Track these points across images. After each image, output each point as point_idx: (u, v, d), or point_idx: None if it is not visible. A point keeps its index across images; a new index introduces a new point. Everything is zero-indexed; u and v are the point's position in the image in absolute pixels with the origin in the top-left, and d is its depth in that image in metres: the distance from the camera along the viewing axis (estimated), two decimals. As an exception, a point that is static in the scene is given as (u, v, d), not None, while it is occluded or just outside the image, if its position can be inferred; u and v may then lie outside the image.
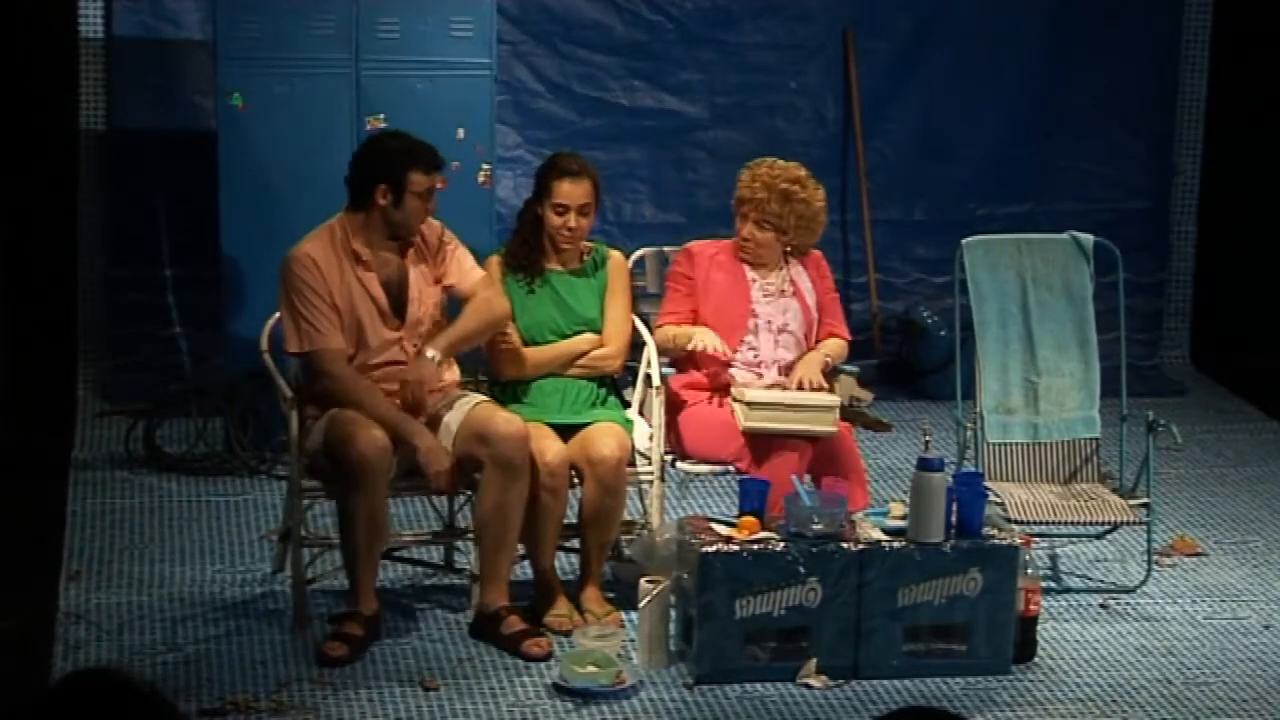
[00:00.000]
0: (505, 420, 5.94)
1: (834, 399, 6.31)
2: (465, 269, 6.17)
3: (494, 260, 6.35)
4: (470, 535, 6.20)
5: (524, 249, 6.32)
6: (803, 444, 6.19)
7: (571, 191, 6.25)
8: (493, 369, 6.34)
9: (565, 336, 6.31)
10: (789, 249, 6.50)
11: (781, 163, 6.51)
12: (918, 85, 9.20)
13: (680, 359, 6.45)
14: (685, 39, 8.97)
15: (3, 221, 8.30)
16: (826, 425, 6.22)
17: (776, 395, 6.29)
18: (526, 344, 6.30)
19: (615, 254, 6.44)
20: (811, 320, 6.50)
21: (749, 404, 6.22)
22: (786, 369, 6.43)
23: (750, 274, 6.47)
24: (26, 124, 8.31)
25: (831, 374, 6.58)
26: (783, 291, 6.49)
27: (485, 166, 7.77)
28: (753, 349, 6.44)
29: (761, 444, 6.21)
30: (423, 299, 6.08)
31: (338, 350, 5.95)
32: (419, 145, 6.05)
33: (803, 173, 6.49)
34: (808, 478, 6.16)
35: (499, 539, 5.94)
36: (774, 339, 6.45)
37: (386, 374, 6.03)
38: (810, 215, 6.45)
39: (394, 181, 5.95)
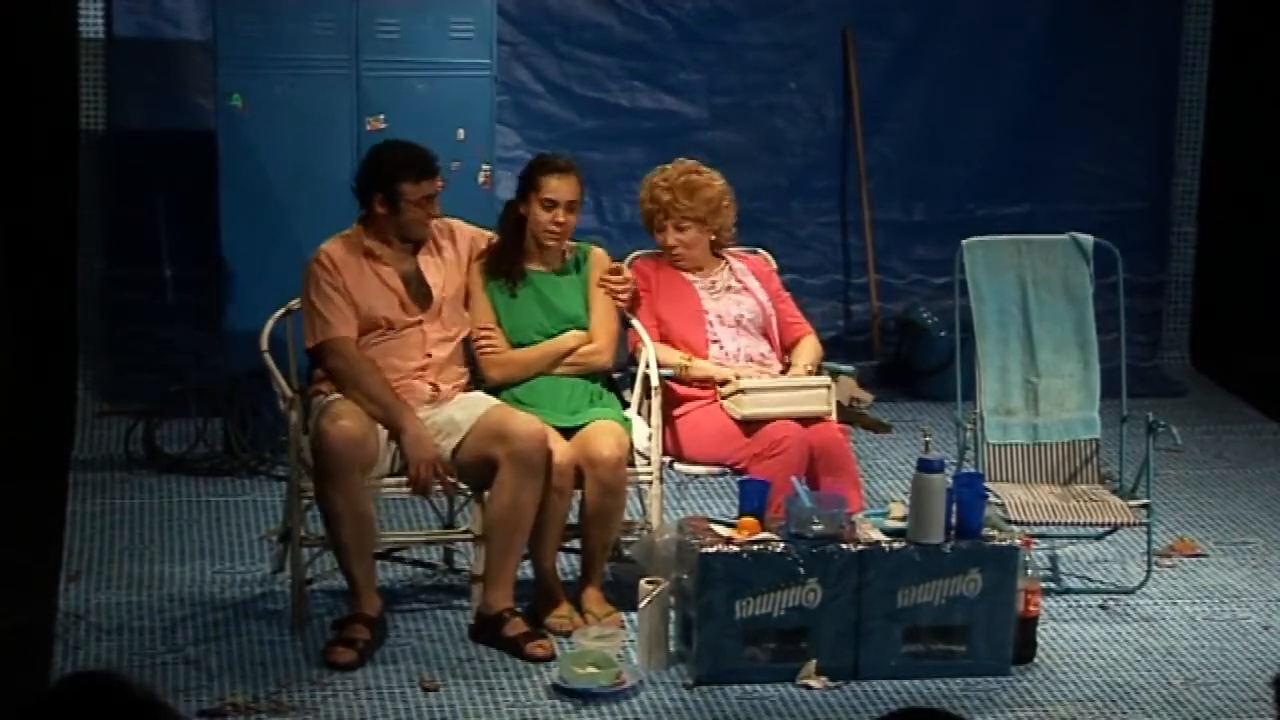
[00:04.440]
0: (525, 420, 5.95)
1: (824, 379, 6.41)
2: None
3: (473, 268, 6.33)
4: (469, 535, 6.19)
5: (504, 252, 6.31)
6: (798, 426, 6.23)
7: (560, 186, 6.25)
8: (481, 373, 6.32)
9: (551, 336, 6.30)
10: (713, 240, 6.57)
11: (668, 166, 6.63)
12: (918, 85, 9.20)
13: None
14: (685, 39, 8.98)
15: (2, 222, 8.30)
16: (820, 405, 6.32)
17: (767, 381, 6.36)
18: (513, 346, 6.30)
19: (596, 249, 6.44)
20: (767, 314, 6.57)
21: (742, 391, 6.27)
22: (755, 358, 6.47)
23: (690, 277, 6.56)
24: (26, 124, 8.31)
25: (832, 376, 6.62)
26: (729, 287, 6.58)
27: (485, 167, 7.79)
28: (716, 341, 6.49)
29: (758, 437, 6.22)
30: (445, 285, 6.17)
31: (345, 338, 6.03)
32: (411, 154, 6.12)
33: (691, 163, 6.64)
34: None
35: (508, 540, 5.95)
36: (733, 332, 6.50)
37: (406, 357, 6.10)
38: (716, 197, 6.53)
39: (387, 192, 6.06)
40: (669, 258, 6.56)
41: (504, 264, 6.29)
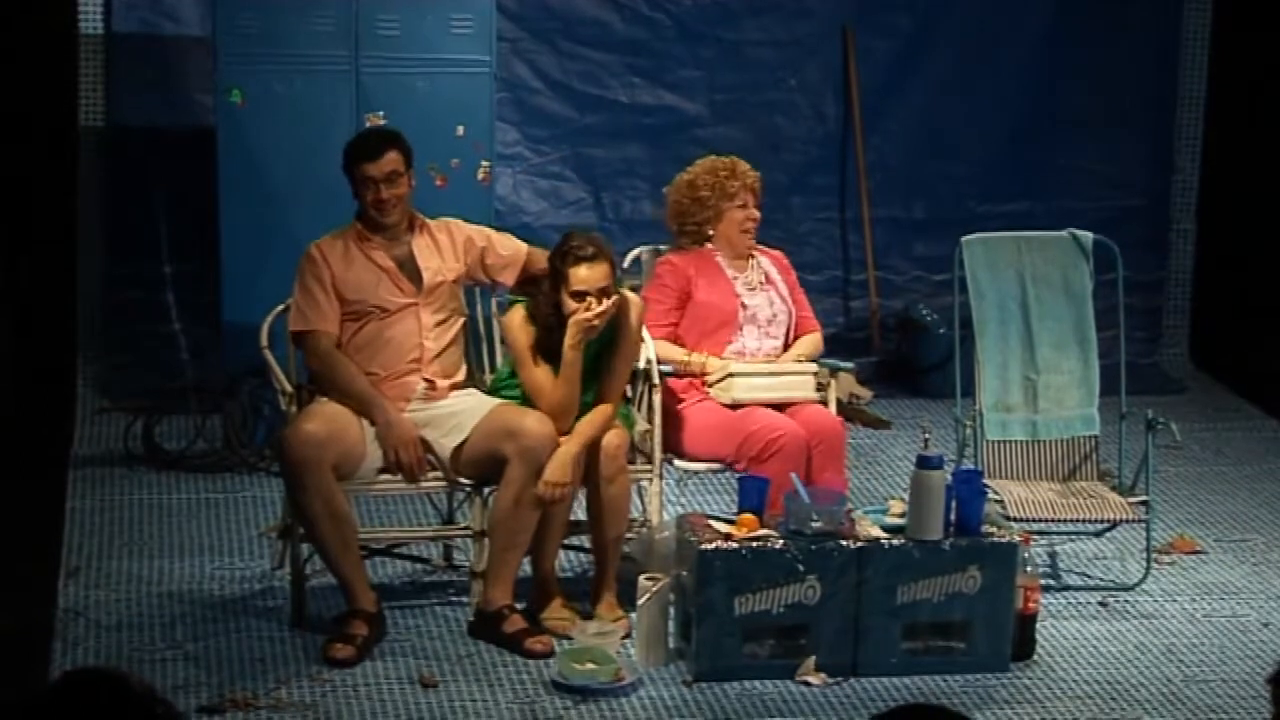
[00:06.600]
0: (537, 419, 5.95)
1: (810, 366, 6.49)
2: (512, 252, 6.28)
3: (517, 320, 6.10)
4: (469, 532, 6.19)
5: (549, 336, 6.05)
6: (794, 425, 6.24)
7: (589, 276, 5.97)
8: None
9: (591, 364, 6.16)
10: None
11: (703, 162, 6.69)
12: (917, 83, 9.20)
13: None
14: (684, 36, 8.98)
15: (2, 219, 8.29)
16: (808, 391, 6.41)
17: (756, 366, 6.43)
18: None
19: (632, 297, 6.19)
20: (790, 311, 6.62)
21: (732, 375, 6.34)
22: (772, 358, 6.51)
23: (729, 272, 6.56)
24: (26, 121, 8.30)
25: (831, 373, 6.64)
26: (761, 283, 6.61)
27: (485, 164, 7.79)
28: (740, 339, 6.51)
29: (753, 438, 6.22)
30: (440, 271, 6.17)
31: (315, 333, 6.08)
32: (362, 138, 6.32)
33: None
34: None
35: (512, 537, 5.95)
36: (761, 330, 6.53)
37: (401, 345, 6.10)
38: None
39: (350, 177, 6.17)
40: (734, 239, 6.57)
41: (551, 345, 6.05)
